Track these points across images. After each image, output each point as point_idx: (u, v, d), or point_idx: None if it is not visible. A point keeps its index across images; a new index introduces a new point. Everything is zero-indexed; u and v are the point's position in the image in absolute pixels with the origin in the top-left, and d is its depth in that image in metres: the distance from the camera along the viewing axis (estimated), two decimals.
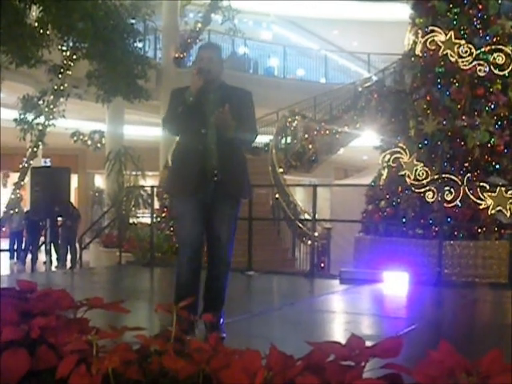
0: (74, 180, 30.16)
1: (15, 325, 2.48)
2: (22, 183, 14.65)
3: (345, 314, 8.06)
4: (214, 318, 4.97)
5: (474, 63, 13.20)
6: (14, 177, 25.66)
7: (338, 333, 6.69)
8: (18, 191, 14.32)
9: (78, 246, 17.81)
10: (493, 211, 12.60)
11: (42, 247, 18.15)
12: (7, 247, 21.11)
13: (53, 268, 18.14)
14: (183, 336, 2.45)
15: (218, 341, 2.48)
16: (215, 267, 5.54)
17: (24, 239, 20.15)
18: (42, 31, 11.03)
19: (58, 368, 2.33)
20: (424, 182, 12.93)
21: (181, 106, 5.44)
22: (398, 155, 13.45)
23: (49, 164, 25.83)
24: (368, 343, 2.34)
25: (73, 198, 24.03)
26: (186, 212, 5.52)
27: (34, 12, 11.41)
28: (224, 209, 5.49)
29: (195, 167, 5.43)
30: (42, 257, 18.71)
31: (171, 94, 5.80)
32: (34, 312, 2.60)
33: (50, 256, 18.55)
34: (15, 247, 20.78)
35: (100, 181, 30.70)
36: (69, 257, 19.03)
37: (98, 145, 19.04)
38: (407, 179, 13.17)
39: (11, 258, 20.76)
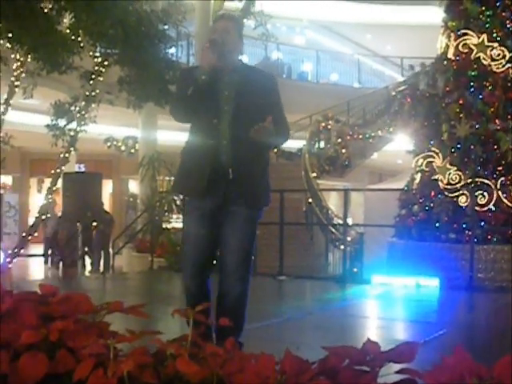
0: (109, 185, 30.42)
1: (35, 328, 2.51)
2: (54, 188, 14.79)
3: (376, 319, 8.04)
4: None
5: (506, 66, 13.09)
6: (48, 182, 25.99)
7: (370, 338, 6.67)
8: (50, 196, 14.45)
9: (111, 250, 17.92)
10: None
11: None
12: (41, 252, 21.30)
13: (86, 273, 18.33)
14: (199, 340, 2.45)
15: (234, 345, 2.48)
16: (225, 282, 4.64)
17: (58, 244, 20.29)
18: (73, 38, 11.16)
19: (76, 371, 2.35)
20: (457, 186, 12.83)
21: (190, 87, 4.55)
22: (431, 159, 13.37)
23: (83, 169, 26.10)
24: None
25: (107, 204, 24.24)
26: (192, 220, 4.79)
27: (66, 19, 11.54)
28: (238, 213, 4.61)
29: (204, 163, 4.59)
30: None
31: (180, 73, 5.12)
32: (54, 316, 2.63)
33: (84, 261, 18.77)
34: (49, 252, 20.95)
35: (134, 186, 30.89)
36: (102, 261, 19.16)
37: (132, 150, 19.17)
38: (440, 183, 13.08)
39: (45, 262, 20.93)
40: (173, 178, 16.18)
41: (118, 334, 2.57)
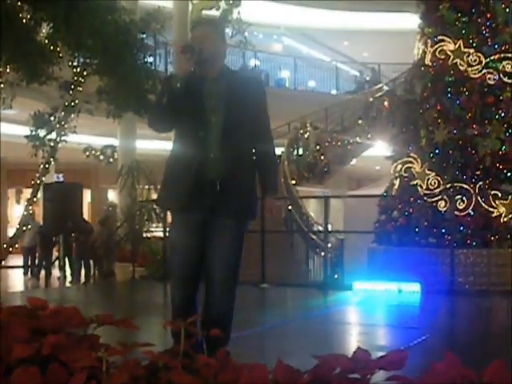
0: (88, 195, 30.29)
1: (26, 342, 2.52)
2: (35, 199, 14.73)
3: (359, 325, 8.07)
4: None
5: (483, 72, 13.20)
6: (27, 193, 25.84)
7: (352, 345, 6.71)
8: (30, 207, 14.40)
9: (91, 260, 17.85)
10: (505, 219, 12.58)
11: (56, 262, 18.23)
12: (21, 263, 21.17)
13: (67, 283, 18.24)
14: (192, 351, 2.47)
15: (226, 356, 2.50)
16: (211, 294, 4.56)
17: (37, 255, 20.21)
18: (52, 48, 11.13)
19: None
20: (436, 191, 12.91)
21: (166, 95, 4.45)
22: (410, 165, 13.44)
23: (61, 179, 25.99)
24: (381, 354, 2.36)
25: (86, 213, 24.16)
26: (179, 230, 4.70)
27: (45, 29, 11.52)
28: (225, 226, 4.52)
29: (188, 176, 4.46)
30: (55, 272, 18.83)
31: (160, 82, 5.00)
32: (45, 329, 2.64)
33: (64, 271, 18.67)
34: (29, 263, 20.83)
35: (113, 195, 30.81)
36: (83, 272, 19.10)
37: (111, 159, 19.11)
38: (419, 189, 13.15)
39: (25, 273, 20.80)
40: (152, 187, 16.09)
41: (109, 346, 2.58)
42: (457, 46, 13.35)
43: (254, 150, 4.70)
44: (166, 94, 4.46)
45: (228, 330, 4.53)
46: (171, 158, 4.70)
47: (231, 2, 21.61)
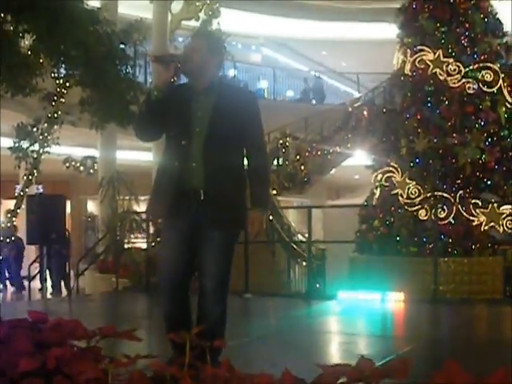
0: (67, 206, 30.16)
1: (30, 355, 2.53)
2: (18, 211, 14.69)
3: (343, 334, 8.10)
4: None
5: (462, 81, 13.34)
6: (6, 204, 25.64)
7: (338, 353, 6.74)
8: (14, 219, 14.35)
9: (72, 272, 17.79)
10: (486, 227, 12.70)
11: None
12: None
13: (48, 295, 18.14)
14: (197, 362, 2.49)
15: (230, 366, 2.53)
16: (203, 305, 4.59)
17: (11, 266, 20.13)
18: (35, 60, 11.11)
19: None
20: (417, 200, 13.01)
21: (144, 105, 4.62)
22: (390, 174, 13.54)
23: (41, 191, 25.84)
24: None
25: (66, 224, 24.04)
26: (166, 239, 4.81)
27: (27, 41, 11.49)
28: (213, 237, 4.51)
29: (170, 185, 4.53)
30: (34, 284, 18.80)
31: (142, 92, 5.09)
32: (48, 342, 2.65)
33: (45, 283, 18.57)
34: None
35: (93, 206, 30.67)
36: (62, 283, 19.07)
37: (91, 171, 19.03)
38: (400, 198, 13.25)
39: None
40: (133, 198, 16.05)
41: (113, 358, 2.60)
42: (436, 55, 13.49)
43: (244, 162, 4.71)
44: (145, 104, 4.59)
45: (217, 330, 4.53)
46: (159, 167, 4.81)
47: (210, 12, 21.63)
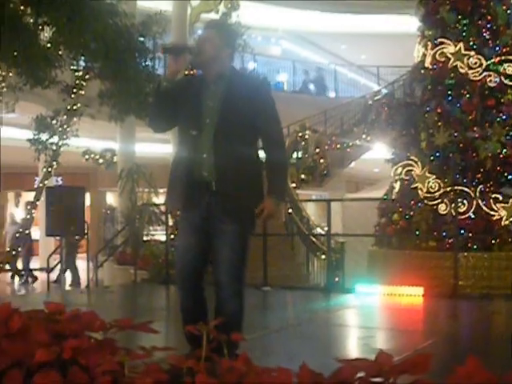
0: (87, 198, 30.27)
1: (47, 346, 2.52)
2: (37, 203, 14.73)
3: (362, 328, 8.07)
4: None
5: (484, 74, 13.21)
6: (25, 196, 25.82)
7: (356, 347, 6.72)
8: (33, 211, 14.39)
9: (90, 263, 17.89)
10: (506, 222, 12.59)
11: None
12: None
13: (67, 287, 18.26)
14: (214, 356, 2.47)
15: (248, 360, 2.50)
16: (219, 297, 4.56)
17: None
18: (54, 52, 11.15)
19: None
20: (436, 194, 12.92)
21: (154, 95, 4.70)
22: (410, 168, 13.45)
23: (60, 183, 25.98)
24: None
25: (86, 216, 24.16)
26: (181, 230, 4.89)
27: (47, 33, 11.53)
28: (225, 229, 4.49)
29: (184, 176, 4.54)
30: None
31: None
32: (65, 333, 2.64)
33: (64, 274, 18.66)
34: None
35: (112, 198, 30.79)
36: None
37: (110, 163, 19.09)
38: (420, 192, 13.16)
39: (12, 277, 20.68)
40: (152, 190, 16.09)
41: (130, 350, 2.58)
42: (457, 48, 13.37)
43: (260, 153, 4.70)
44: (154, 94, 4.66)
45: (233, 321, 4.44)
46: (173, 158, 4.81)
47: (230, 5, 21.59)
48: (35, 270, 20.73)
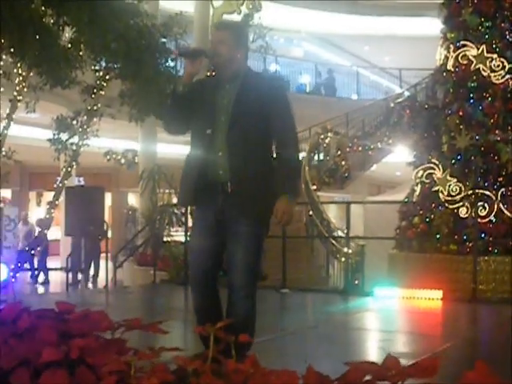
0: (108, 198, 30.40)
1: (55, 346, 2.52)
2: (57, 203, 14.78)
3: (380, 331, 8.03)
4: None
5: (506, 77, 13.13)
6: (48, 196, 25.93)
7: (374, 351, 6.68)
8: (52, 211, 14.43)
9: (111, 264, 17.95)
10: None
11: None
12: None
13: (89, 286, 18.33)
14: (220, 357, 2.46)
15: (255, 362, 2.48)
16: (231, 299, 4.49)
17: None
18: (75, 52, 11.20)
19: None
20: (457, 197, 12.85)
21: (170, 97, 4.64)
22: (431, 171, 13.38)
23: (82, 183, 26.08)
24: (403, 361, 2.34)
25: (106, 216, 24.25)
26: (194, 230, 4.90)
27: (68, 33, 11.58)
28: (240, 230, 4.45)
29: (194, 174, 4.52)
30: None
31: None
32: (73, 333, 2.64)
33: (88, 275, 18.77)
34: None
35: (133, 199, 30.88)
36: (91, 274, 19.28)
37: (132, 164, 19.14)
38: (440, 195, 13.09)
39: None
40: (173, 191, 16.11)
41: (138, 350, 2.57)
42: (480, 51, 13.29)
43: (274, 153, 4.65)
44: (171, 97, 4.62)
45: (250, 335, 4.34)
46: (187, 158, 4.74)
47: (251, 6, 21.58)
48: (54, 269, 20.80)
